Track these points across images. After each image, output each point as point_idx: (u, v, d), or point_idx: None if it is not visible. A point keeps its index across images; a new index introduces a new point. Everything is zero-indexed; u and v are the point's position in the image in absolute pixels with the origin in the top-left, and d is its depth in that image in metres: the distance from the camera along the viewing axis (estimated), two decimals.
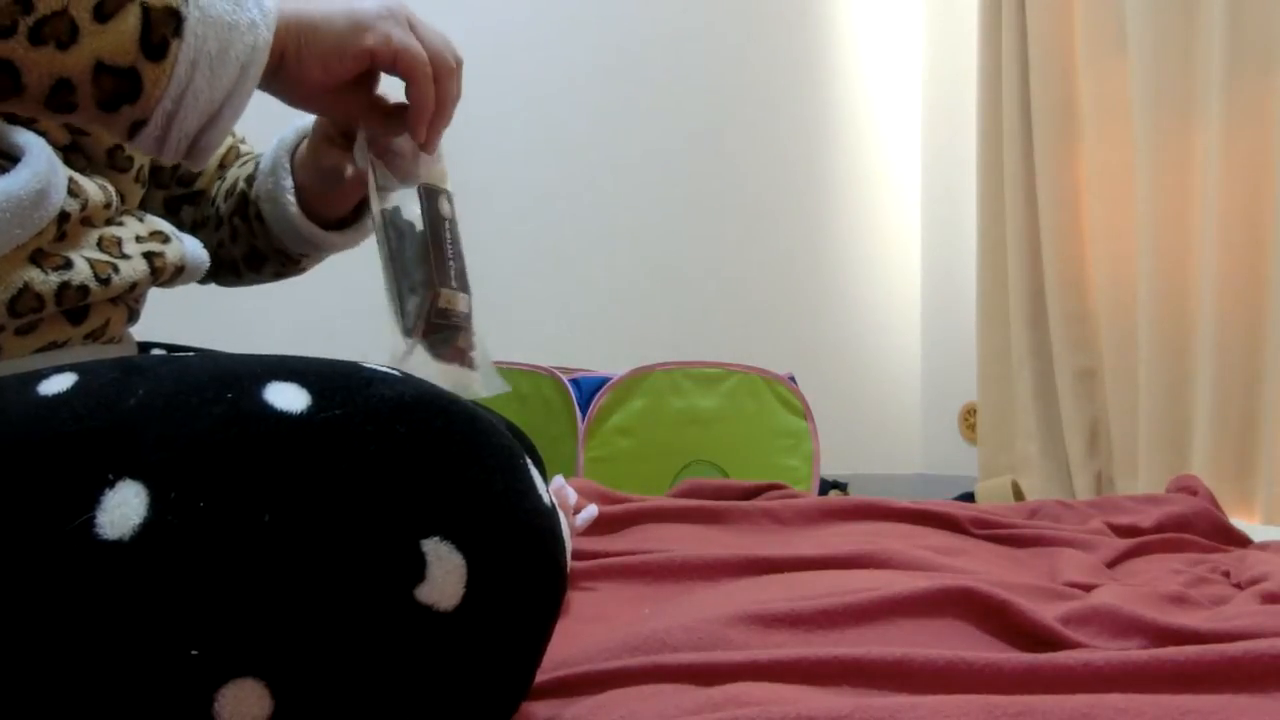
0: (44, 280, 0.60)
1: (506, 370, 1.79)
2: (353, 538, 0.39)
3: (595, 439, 1.61)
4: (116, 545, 0.37)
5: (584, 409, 1.62)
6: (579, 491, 0.99)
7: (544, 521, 0.44)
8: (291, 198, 0.84)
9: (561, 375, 1.67)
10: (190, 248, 0.74)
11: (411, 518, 0.40)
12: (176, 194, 0.91)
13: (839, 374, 2.71)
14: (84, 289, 0.63)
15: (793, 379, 1.82)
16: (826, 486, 2.24)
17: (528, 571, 0.43)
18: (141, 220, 0.71)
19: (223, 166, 0.93)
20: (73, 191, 0.63)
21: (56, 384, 0.43)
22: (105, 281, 0.64)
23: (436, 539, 0.40)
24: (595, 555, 0.83)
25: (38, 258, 0.61)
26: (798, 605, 0.61)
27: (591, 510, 0.85)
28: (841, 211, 2.75)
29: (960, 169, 2.73)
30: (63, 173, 0.62)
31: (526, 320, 2.16)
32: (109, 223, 0.68)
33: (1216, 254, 2.02)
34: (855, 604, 0.61)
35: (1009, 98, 2.44)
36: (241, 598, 0.37)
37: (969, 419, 2.74)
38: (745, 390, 1.74)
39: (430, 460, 0.41)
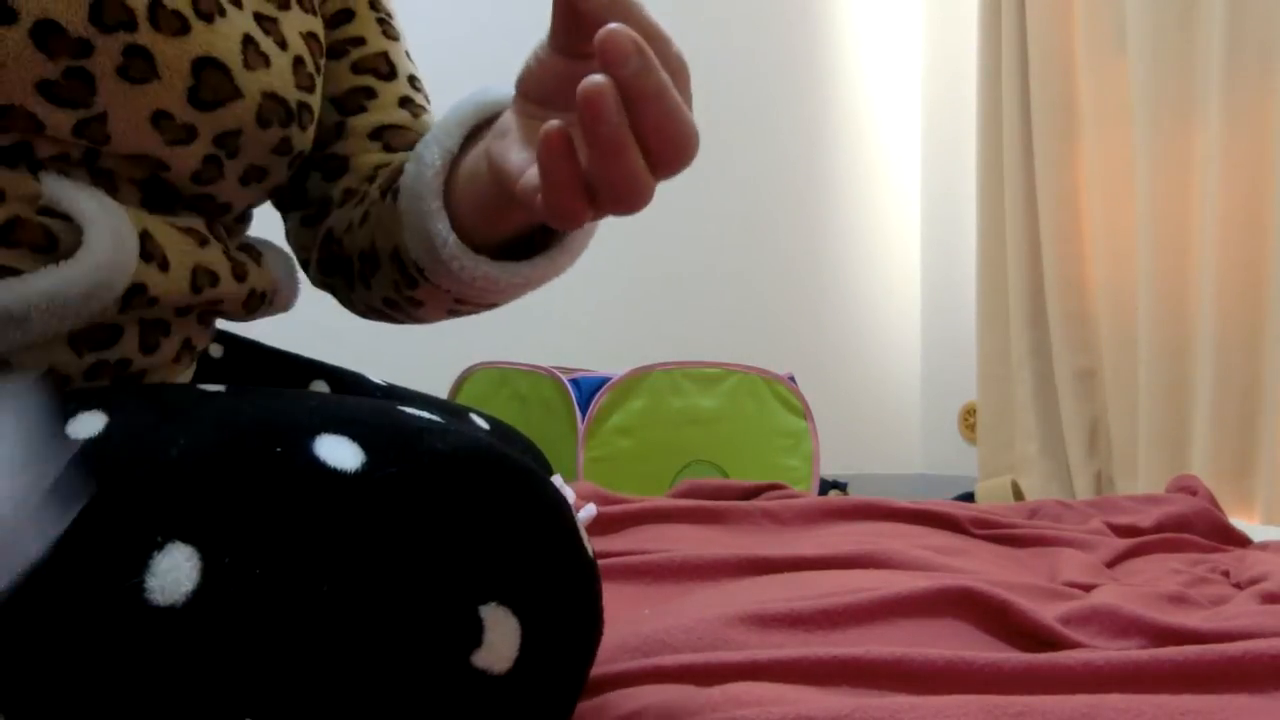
0: (75, 361, 0.51)
1: (507, 370, 1.80)
2: (414, 607, 0.37)
3: (595, 439, 1.61)
4: (169, 611, 0.35)
5: (584, 409, 1.62)
6: (577, 494, 0.99)
7: (590, 573, 0.44)
8: (433, 173, 0.57)
9: (561, 375, 1.67)
10: (275, 305, 0.63)
11: (471, 584, 0.39)
12: (311, 156, 0.70)
13: (839, 374, 2.71)
14: (125, 362, 0.54)
15: (793, 379, 1.82)
16: (826, 486, 2.24)
17: (576, 628, 0.42)
18: (242, 281, 0.58)
19: (387, 147, 0.70)
20: (148, 253, 0.51)
21: (86, 425, 0.40)
22: (153, 349, 0.55)
23: (494, 604, 0.39)
24: (595, 555, 0.82)
25: (80, 336, 0.51)
26: (797, 605, 0.61)
27: (590, 509, 0.85)
28: (841, 211, 2.75)
29: (960, 169, 2.73)
30: (130, 254, 0.50)
31: (526, 320, 2.16)
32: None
33: (1216, 254, 2.02)
34: (855, 604, 0.61)
35: (1009, 97, 2.44)
36: (298, 667, 0.36)
37: (969, 419, 2.74)
38: (745, 390, 1.74)
39: (488, 523, 0.40)
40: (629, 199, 0.41)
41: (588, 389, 1.64)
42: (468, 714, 0.39)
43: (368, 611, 0.37)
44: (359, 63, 0.70)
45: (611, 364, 1.82)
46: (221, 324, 0.76)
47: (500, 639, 0.39)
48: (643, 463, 1.63)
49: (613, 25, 0.40)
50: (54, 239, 0.49)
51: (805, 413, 1.78)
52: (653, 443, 1.65)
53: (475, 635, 0.38)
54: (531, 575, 0.40)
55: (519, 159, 0.48)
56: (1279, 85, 1.98)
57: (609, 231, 2.35)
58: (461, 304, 0.63)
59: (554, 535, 0.42)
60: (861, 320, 2.79)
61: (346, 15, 0.71)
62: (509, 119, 0.51)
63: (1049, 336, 2.39)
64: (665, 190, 2.69)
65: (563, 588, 0.41)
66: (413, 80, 0.73)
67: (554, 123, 0.41)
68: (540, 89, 0.49)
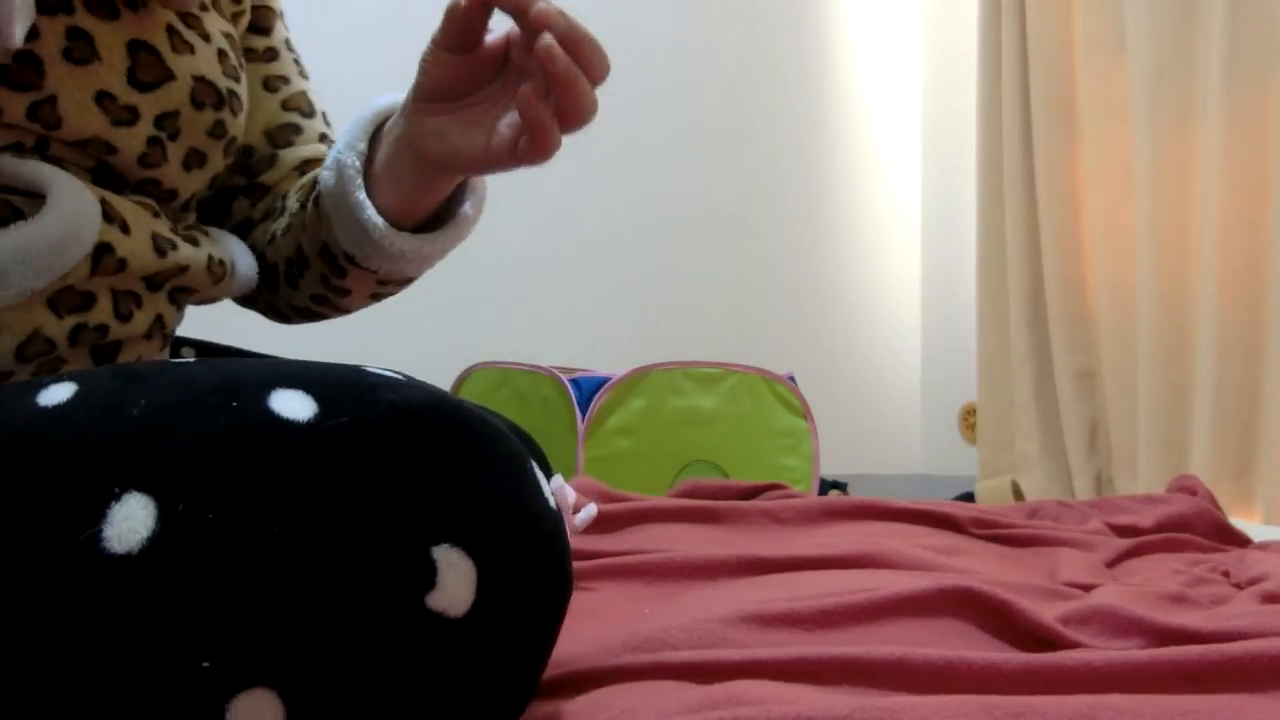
0: (56, 323, 0.56)
1: (507, 370, 1.80)
2: (364, 547, 0.38)
3: (595, 439, 1.61)
4: (125, 559, 0.36)
5: (584, 409, 1.62)
6: (579, 490, 0.99)
7: (551, 525, 0.44)
8: (355, 172, 0.67)
9: (561, 375, 1.67)
10: (240, 277, 0.69)
11: (422, 525, 0.40)
12: (236, 184, 0.78)
13: (839, 374, 2.71)
14: (102, 328, 0.58)
15: (793, 379, 1.82)
16: (826, 486, 2.24)
17: (536, 576, 0.43)
18: (196, 245, 0.65)
19: (302, 172, 0.80)
20: (109, 216, 0.57)
21: (55, 394, 0.42)
22: (127, 318, 0.60)
23: (447, 546, 0.40)
24: (595, 555, 0.83)
25: (58, 298, 0.56)
26: (797, 605, 0.61)
27: (591, 509, 0.84)
28: (841, 211, 2.75)
29: (960, 169, 2.73)
30: (93, 211, 0.56)
31: (526, 320, 2.16)
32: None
33: (1216, 254, 2.02)
34: (855, 604, 0.61)
35: (1009, 98, 2.44)
36: (253, 609, 0.37)
37: (969, 419, 2.74)
38: (745, 390, 1.74)
39: (439, 467, 0.41)
40: (585, 113, 0.58)
41: (588, 389, 1.64)
42: (427, 656, 0.40)
43: (319, 553, 0.38)
44: (287, 101, 0.79)
45: (611, 364, 1.82)
46: (196, 332, 0.79)
47: (455, 581, 0.40)
48: (643, 463, 1.63)
49: (540, 5, 0.56)
50: (17, 211, 0.54)
51: (805, 413, 1.78)
52: (652, 443, 1.65)
53: (429, 577, 0.39)
54: (483, 518, 0.41)
55: (477, 140, 0.62)
56: (1279, 85, 1.98)
57: (610, 232, 2.35)
58: (384, 285, 0.74)
59: (507, 480, 0.43)
60: (861, 320, 2.79)
61: (273, 54, 0.79)
62: (420, 124, 0.63)
63: (1049, 336, 2.39)
64: (666, 190, 2.68)
65: (518, 532, 0.42)
66: (324, 117, 0.83)
67: (525, 86, 0.57)
68: (439, 89, 0.61)
